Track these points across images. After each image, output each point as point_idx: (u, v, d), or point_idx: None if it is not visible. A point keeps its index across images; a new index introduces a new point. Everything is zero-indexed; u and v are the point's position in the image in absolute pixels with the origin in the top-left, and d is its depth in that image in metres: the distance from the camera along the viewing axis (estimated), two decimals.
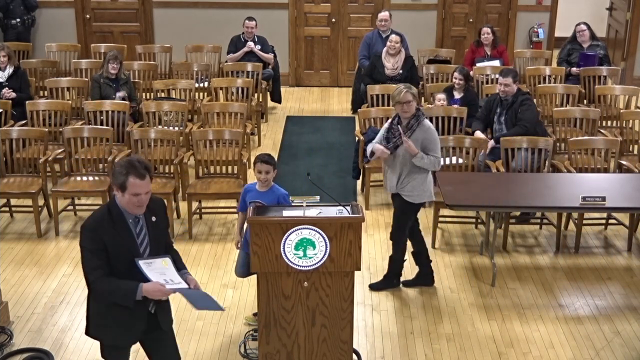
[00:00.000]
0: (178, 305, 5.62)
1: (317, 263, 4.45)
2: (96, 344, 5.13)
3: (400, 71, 8.43)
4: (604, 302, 5.73)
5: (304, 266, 4.47)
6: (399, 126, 5.47)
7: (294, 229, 4.43)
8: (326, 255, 4.46)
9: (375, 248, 6.46)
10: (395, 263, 5.83)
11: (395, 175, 5.56)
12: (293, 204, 4.73)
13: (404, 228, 5.69)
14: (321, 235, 4.44)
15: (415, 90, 5.51)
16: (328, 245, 4.45)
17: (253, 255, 4.47)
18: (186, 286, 3.87)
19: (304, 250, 4.46)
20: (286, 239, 4.45)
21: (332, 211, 4.63)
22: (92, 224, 3.78)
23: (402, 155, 5.48)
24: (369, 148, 5.67)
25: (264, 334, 4.61)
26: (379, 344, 5.19)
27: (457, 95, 7.73)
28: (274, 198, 5.14)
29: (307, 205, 4.60)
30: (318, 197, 4.66)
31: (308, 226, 4.44)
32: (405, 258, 5.82)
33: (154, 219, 3.92)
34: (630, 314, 5.56)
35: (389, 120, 5.67)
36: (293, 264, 4.46)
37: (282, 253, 4.46)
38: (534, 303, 5.69)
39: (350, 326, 4.63)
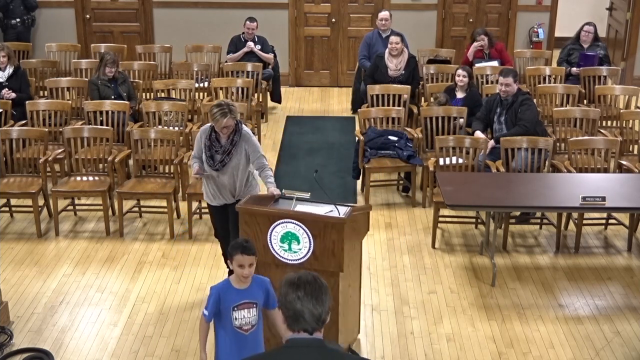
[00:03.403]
0: (178, 305, 5.62)
1: (302, 258, 4.55)
2: (96, 344, 5.16)
3: (403, 72, 8.41)
4: (604, 302, 5.72)
5: (290, 260, 4.58)
6: (219, 144, 5.33)
7: (279, 221, 4.56)
8: (310, 252, 4.56)
9: (375, 248, 6.46)
10: None
11: (227, 188, 5.42)
12: (286, 197, 4.79)
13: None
14: (305, 231, 4.52)
15: (235, 107, 5.31)
16: (312, 242, 4.53)
17: None
18: None
19: (289, 243, 4.59)
20: (272, 230, 4.57)
21: (322, 210, 4.66)
22: None
23: (233, 168, 5.34)
24: (195, 167, 5.43)
25: None
26: (379, 344, 5.18)
27: (460, 94, 7.65)
28: (263, 290, 4.10)
29: (297, 200, 4.71)
30: (309, 194, 4.73)
31: (293, 220, 4.55)
32: None
33: None
34: (630, 314, 5.56)
35: (203, 133, 5.45)
36: (279, 256, 4.58)
37: (269, 244, 4.60)
38: (534, 303, 5.69)
39: None
